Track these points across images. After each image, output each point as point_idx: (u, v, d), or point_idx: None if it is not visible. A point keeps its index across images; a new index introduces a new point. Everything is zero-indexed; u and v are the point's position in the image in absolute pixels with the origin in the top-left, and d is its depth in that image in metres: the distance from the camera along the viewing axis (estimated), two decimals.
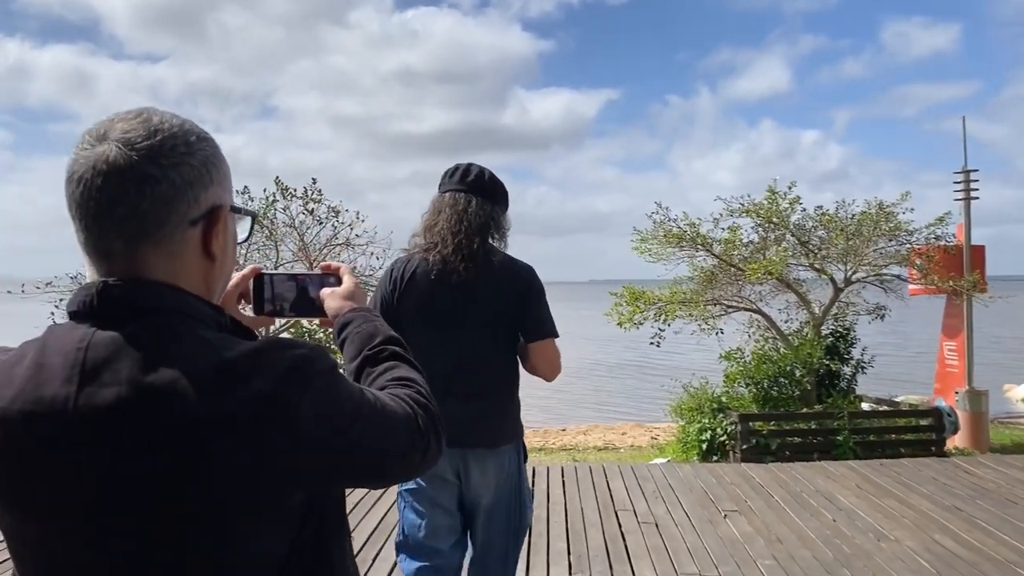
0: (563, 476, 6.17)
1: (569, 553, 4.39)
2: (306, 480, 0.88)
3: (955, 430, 7.77)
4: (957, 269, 8.41)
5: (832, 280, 8.68)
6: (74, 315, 0.88)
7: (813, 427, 7.40)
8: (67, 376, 0.83)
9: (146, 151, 0.86)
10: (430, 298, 2.36)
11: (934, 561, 4.18)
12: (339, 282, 1.23)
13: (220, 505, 0.82)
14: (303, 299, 1.21)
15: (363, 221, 9.00)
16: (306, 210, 8.75)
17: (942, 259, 8.43)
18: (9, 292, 8.76)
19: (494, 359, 2.40)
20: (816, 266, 8.62)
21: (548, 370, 2.44)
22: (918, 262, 8.53)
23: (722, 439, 7.42)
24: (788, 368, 8.03)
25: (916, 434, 7.52)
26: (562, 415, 12.94)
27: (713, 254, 8.74)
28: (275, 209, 8.53)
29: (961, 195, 8.46)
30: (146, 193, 0.86)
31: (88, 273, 0.90)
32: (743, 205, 8.62)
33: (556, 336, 2.42)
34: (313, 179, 8.78)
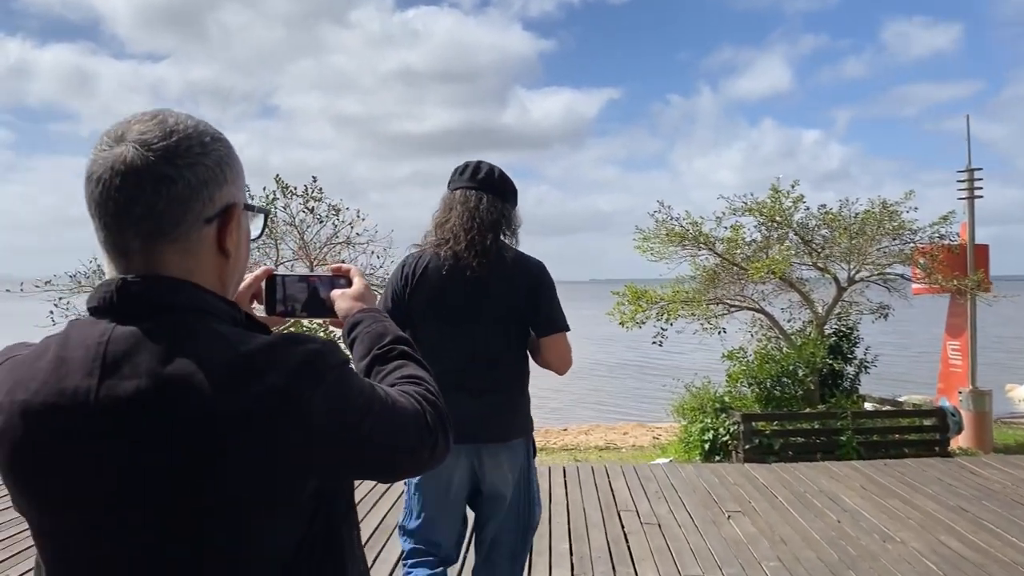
0: (565, 476, 6.13)
1: (571, 554, 4.35)
2: (318, 473, 0.90)
3: (959, 430, 7.72)
4: (961, 268, 8.36)
5: (835, 279, 8.63)
6: (94, 311, 0.91)
7: (816, 427, 7.35)
8: (88, 369, 0.85)
9: (162, 152, 0.89)
10: (442, 293, 2.38)
11: (940, 563, 4.13)
12: (349, 283, 1.25)
13: (235, 497, 0.84)
14: (314, 300, 1.24)
15: (363, 220, 8.96)
16: (306, 208, 8.70)
17: (946, 258, 8.38)
18: (8, 291, 8.74)
19: (506, 354, 2.43)
20: (819, 265, 8.57)
21: (560, 364, 2.47)
22: (922, 261, 8.48)
23: (725, 439, 7.37)
24: (791, 368, 7.99)
25: (920, 434, 7.47)
26: (563, 415, 12.90)
27: (716, 253, 8.69)
28: (275, 208, 8.49)
29: (964, 194, 8.41)
30: (162, 192, 0.89)
31: (107, 270, 0.93)
32: (746, 204, 8.56)
33: (568, 330, 2.45)
34: (313, 177, 8.73)
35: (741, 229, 8.57)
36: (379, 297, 2.26)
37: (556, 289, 2.44)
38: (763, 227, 8.69)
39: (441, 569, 2.49)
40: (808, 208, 8.63)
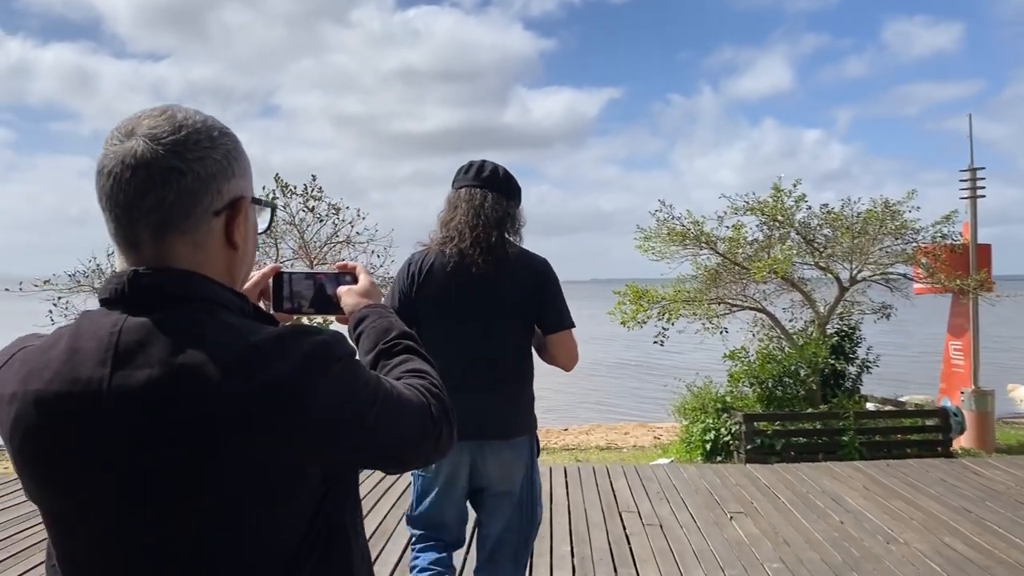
0: (566, 477, 6.10)
1: (573, 556, 4.32)
2: (324, 462, 0.92)
3: (961, 430, 7.69)
4: (963, 268, 8.33)
5: (837, 279, 8.59)
6: (106, 302, 0.92)
7: (818, 427, 7.32)
8: (101, 359, 0.87)
9: (171, 146, 0.91)
10: (447, 291, 2.39)
11: (945, 565, 4.10)
12: (355, 280, 1.27)
13: (243, 483, 0.86)
14: (320, 296, 1.26)
15: (363, 219, 8.93)
16: (306, 207, 8.67)
17: (948, 258, 8.35)
18: (7, 290, 8.71)
19: (510, 351, 2.44)
20: (821, 264, 8.53)
21: (568, 360, 2.50)
22: (924, 261, 8.44)
23: (726, 439, 7.34)
24: (793, 368, 7.95)
25: (922, 434, 7.44)
26: (564, 415, 12.87)
27: (717, 252, 8.65)
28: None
29: (967, 193, 8.38)
30: (172, 185, 0.90)
31: (118, 262, 0.95)
32: (748, 203, 8.52)
33: (573, 326, 2.47)
34: (313, 176, 8.70)
35: (743, 228, 8.54)
36: (384, 294, 2.28)
37: (561, 286, 2.46)
38: (765, 226, 8.65)
39: (447, 554, 2.52)
40: (810, 207, 8.61)
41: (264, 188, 8.57)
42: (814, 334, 8.39)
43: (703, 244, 8.62)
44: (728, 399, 7.88)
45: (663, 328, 8.62)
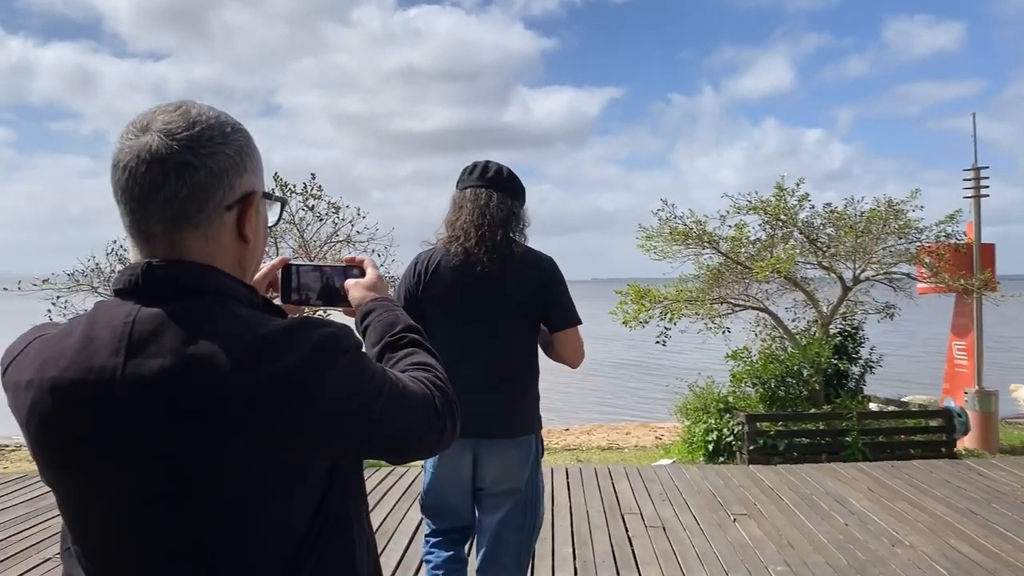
0: (568, 478, 6.06)
1: (575, 558, 4.28)
2: (330, 453, 0.94)
3: (965, 431, 7.65)
4: (967, 268, 8.28)
5: (840, 278, 8.54)
6: (120, 292, 0.95)
7: (821, 428, 7.27)
8: (115, 348, 0.89)
9: (185, 141, 0.93)
10: (453, 291, 2.40)
11: (951, 567, 4.06)
12: (362, 274, 1.29)
13: (251, 473, 0.88)
14: (328, 289, 1.28)
15: (364, 218, 8.87)
16: (306, 206, 8.62)
17: (952, 257, 8.30)
18: (6, 289, 8.66)
19: (516, 350, 2.45)
20: (824, 264, 8.48)
21: (574, 357, 2.53)
22: (927, 260, 8.39)
23: (729, 440, 7.30)
24: (796, 368, 7.90)
25: (926, 435, 7.40)
26: (565, 415, 12.82)
27: (720, 252, 8.60)
28: None
29: (970, 193, 8.33)
30: (185, 180, 0.93)
31: (131, 255, 0.98)
32: (750, 202, 8.47)
33: (580, 323, 2.49)
34: (312, 175, 8.64)
35: (745, 228, 8.48)
36: (392, 289, 2.29)
37: (566, 284, 2.47)
38: (768, 226, 8.60)
39: (457, 550, 2.55)
40: (813, 207, 8.55)
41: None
42: (817, 334, 8.34)
43: (705, 243, 8.57)
44: (730, 399, 7.83)
45: (665, 328, 8.57)
